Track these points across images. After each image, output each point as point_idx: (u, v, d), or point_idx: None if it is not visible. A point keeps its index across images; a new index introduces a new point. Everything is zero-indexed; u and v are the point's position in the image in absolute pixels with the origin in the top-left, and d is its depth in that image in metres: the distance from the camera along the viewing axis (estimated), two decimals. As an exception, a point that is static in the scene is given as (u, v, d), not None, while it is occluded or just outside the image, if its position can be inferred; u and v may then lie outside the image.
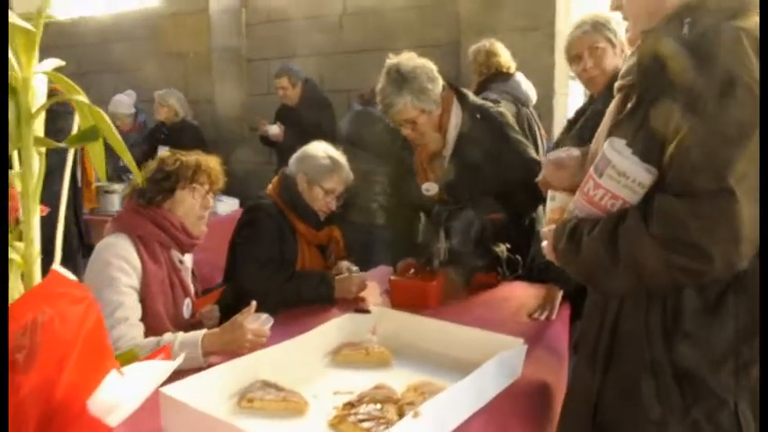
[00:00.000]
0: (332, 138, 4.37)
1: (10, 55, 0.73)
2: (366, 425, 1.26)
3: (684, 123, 1.12)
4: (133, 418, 1.36)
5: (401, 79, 2.14)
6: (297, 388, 1.47)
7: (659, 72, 1.19)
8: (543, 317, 1.97)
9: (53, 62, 0.94)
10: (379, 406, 1.33)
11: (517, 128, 2.36)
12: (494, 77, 3.46)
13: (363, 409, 1.32)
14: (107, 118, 0.85)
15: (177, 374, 1.42)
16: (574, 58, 2.21)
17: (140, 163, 4.36)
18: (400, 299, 2.14)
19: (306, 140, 4.02)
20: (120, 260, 1.72)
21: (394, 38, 4.74)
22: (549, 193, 1.43)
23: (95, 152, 0.91)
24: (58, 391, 0.82)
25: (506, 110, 2.35)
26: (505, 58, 3.53)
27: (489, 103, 2.34)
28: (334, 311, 2.09)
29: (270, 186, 2.41)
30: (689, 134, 1.11)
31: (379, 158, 3.30)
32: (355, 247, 2.70)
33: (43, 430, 0.80)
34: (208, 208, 1.93)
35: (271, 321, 1.85)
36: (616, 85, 1.36)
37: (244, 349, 1.60)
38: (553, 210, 1.41)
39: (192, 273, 2.12)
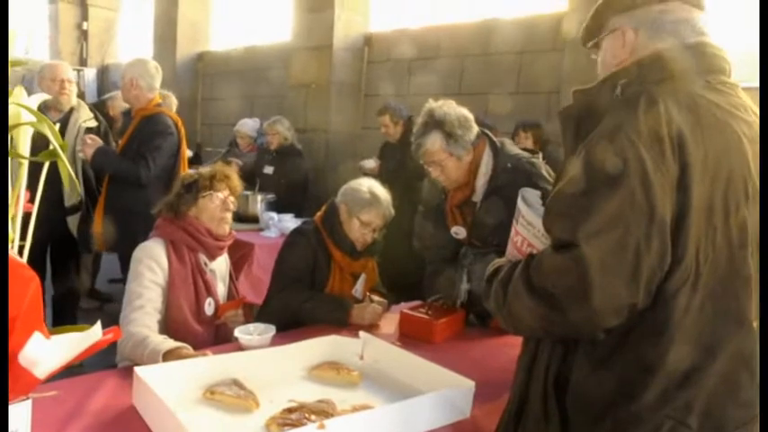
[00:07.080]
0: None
1: None
2: (287, 429, 1.41)
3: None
4: (112, 393, 1.63)
5: (432, 122, 2.28)
6: (261, 391, 1.65)
7: (575, 127, 1.24)
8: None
9: (39, 97, 1.24)
10: (312, 417, 1.48)
11: (550, 178, 2.39)
12: None
13: (295, 416, 1.48)
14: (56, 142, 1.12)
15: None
16: None
17: (246, 176, 4.71)
18: (406, 330, 2.26)
19: (403, 176, 4.22)
20: (149, 259, 2.05)
21: (504, 82, 4.83)
22: None
23: (62, 167, 1.19)
24: (12, 345, 1.08)
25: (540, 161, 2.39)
26: None
27: (524, 153, 2.40)
28: (344, 333, 2.25)
29: (318, 213, 2.64)
30: (563, 181, 1.14)
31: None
32: (394, 281, 2.85)
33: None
34: (228, 210, 2.22)
35: (272, 332, 2.06)
36: None
37: None
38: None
39: (231, 279, 2.39)
